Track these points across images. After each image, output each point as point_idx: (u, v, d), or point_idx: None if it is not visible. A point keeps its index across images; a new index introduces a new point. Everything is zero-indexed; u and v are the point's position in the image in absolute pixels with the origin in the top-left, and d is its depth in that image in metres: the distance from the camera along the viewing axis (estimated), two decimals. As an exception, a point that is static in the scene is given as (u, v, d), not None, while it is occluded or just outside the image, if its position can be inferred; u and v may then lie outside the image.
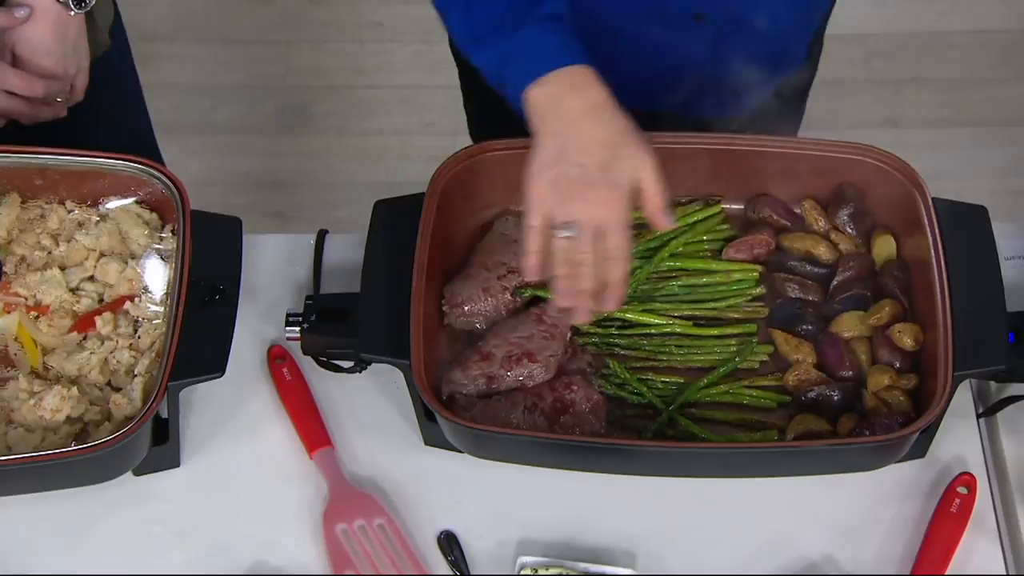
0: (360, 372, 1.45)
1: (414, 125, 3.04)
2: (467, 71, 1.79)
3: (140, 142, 1.88)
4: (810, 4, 1.65)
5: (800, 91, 1.81)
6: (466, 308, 1.48)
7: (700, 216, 1.54)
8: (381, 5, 3.23)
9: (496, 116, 1.41)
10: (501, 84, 1.36)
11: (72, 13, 1.52)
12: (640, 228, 1.55)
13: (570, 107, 1.31)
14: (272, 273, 1.58)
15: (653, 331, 1.48)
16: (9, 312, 1.44)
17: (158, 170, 1.47)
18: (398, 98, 3.09)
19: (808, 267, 1.52)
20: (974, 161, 3.00)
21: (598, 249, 1.28)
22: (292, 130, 3.05)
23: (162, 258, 1.48)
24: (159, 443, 1.39)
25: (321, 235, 1.59)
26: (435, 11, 1.43)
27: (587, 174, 1.28)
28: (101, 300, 1.48)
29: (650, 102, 1.58)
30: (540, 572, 1.33)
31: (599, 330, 1.48)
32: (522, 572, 1.34)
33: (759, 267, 1.52)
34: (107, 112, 1.71)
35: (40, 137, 1.56)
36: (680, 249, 1.52)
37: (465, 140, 1.70)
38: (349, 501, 1.40)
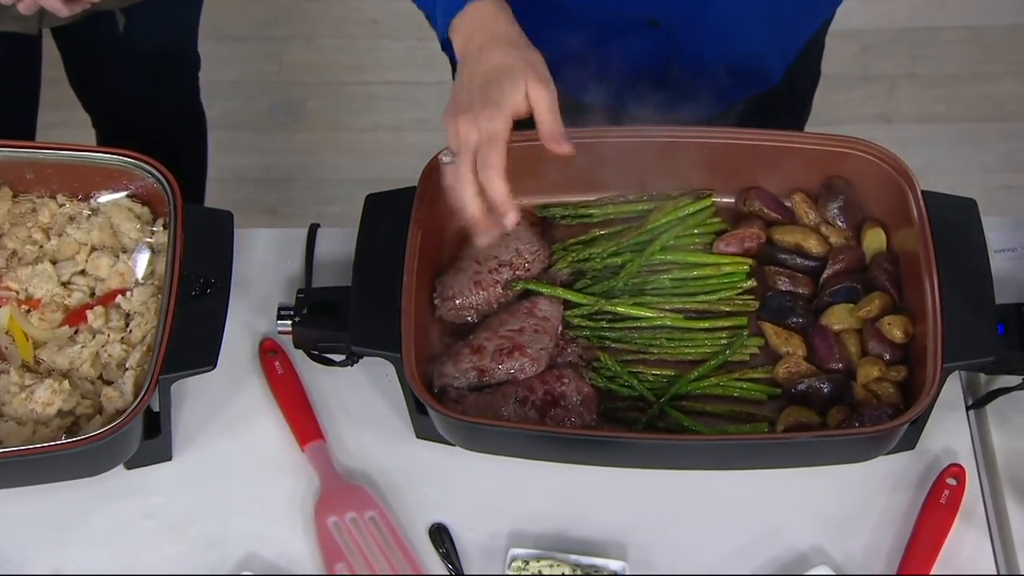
0: (352, 365, 1.45)
1: (407, 121, 3.04)
2: None
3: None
4: (789, 25, 1.64)
5: (799, 96, 1.82)
6: (457, 301, 1.48)
7: (691, 209, 1.55)
8: (375, 1, 3.23)
9: None
10: (433, 25, 1.41)
11: None
12: (631, 222, 1.55)
13: (476, 41, 1.34)
14: (264, 267, 1.58)
15: (644, 324, 1.48)
16: (0, 306, 1.44)
17: (149, 164, 1.47)
18: (391, 94, 3.09)
19: (798, 260, 1.52)
20: (967, 156, 3.00)
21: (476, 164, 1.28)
22: (286, 126, 3.05)
23: (153, 252, 1.48)
24: (150, 436, 1.39)
25: (313, 229, 1.59)
26: None
27: (470, 97, 1.30)
28: (92, 294, 1.48)
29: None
30: (531, 564, 1.34)
31: (590, 323, 1.48)
32: (513, 564, 1.34)
33: (750, 260, 1.52)
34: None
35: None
36: (671, 242, 1.52)
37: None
38: (340, 494, 1.40)
